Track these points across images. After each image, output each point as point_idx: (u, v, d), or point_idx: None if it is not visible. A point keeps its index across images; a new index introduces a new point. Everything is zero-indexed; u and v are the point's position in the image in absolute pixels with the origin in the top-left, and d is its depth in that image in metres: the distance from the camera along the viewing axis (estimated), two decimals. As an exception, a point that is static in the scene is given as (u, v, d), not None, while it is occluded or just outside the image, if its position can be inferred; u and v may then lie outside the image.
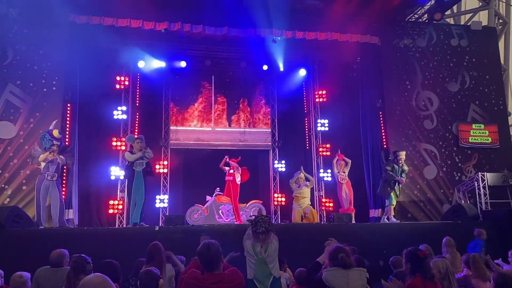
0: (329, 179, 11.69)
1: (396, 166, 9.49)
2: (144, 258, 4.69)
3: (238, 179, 10.15)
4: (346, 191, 10.15)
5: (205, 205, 10.89)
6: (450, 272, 4.23)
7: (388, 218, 9.47)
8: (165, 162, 11.66)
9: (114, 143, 10.64)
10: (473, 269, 4.73)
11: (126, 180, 8.60)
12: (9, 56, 9.25)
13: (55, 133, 8.10)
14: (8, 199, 8.73)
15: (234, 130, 12.74)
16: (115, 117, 11.01)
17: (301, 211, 9.80)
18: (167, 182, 11.59)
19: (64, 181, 9.43)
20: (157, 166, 11.45)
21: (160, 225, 9.72)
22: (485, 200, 9.99)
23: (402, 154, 9.71)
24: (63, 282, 3.63)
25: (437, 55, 11.73)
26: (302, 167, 10.41)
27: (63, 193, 9.32)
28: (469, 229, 7.82)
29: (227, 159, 10.34)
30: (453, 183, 10.98)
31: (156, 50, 11.40)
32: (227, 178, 10.24)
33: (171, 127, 12.25)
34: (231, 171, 10.19)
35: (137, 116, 11.88)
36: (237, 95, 12.85)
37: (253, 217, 4.14)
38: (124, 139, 10.79)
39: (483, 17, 15.28)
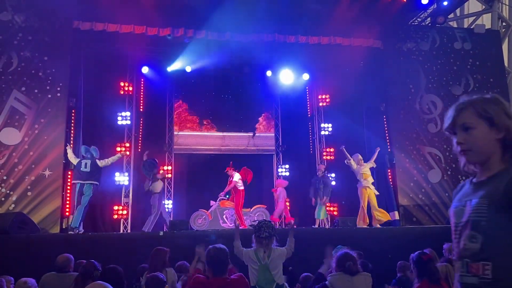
0: (333, 183, 11.66)
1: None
2: (146, 264, 4.70)
3: (239, 186, 10.15)
4: None
5: (209, 210, 10.88)
6: (450, 276, 4.22)
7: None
8: (169, 167, 11.68)
9: (118, 149, 10.66)
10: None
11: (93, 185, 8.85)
12: (13, 63, 9.31)
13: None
14: (13, 205, 8.75)
15: (237, 135, 12.74)
16: (119, 122, 11.06)
17: (368, 189, 9.66)
18: (171, 187, 11.61)
19: (68, 187, 9.48)
20: (161, 171, 11.47)
21: (164, 230, 9.72)
22: (490, 203, 9.91)
23: (320, 167, 10.76)
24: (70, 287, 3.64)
25: (440, 58, 11.69)
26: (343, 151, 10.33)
27: (68, 199, 9.39)
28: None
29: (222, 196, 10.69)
30: (458, 186, 10.90)
31: (159, 56, 11.47)
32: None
33: (175, 132, 12.28)
34: (230, 178, 10.29)
35: (141, 122, 11.94)
36: (240, 100, 12.85)
37: (256, 222, 4.15)
38: (128, 144, 10.86)
39: (486, 20, 15.23)
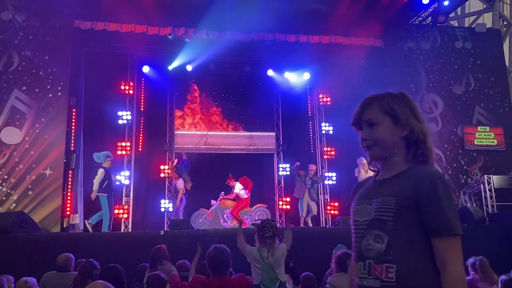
0: (334, 182, 11.66)
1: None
2: (147, 263, 4.71)
3: (242, 195, 10.17)
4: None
5: (210, 209, 10.87)
6: None
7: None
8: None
9: (119, 148, 10.66)
10: (480, 273, 4.69)
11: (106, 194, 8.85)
12: (14, 62, 9.32)
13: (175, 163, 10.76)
14: (14, 204, 8.77)
15: (238, 134, 12.74)
16: (120, 121, 11.06)
17: None
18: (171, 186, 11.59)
19: (69, 186, 9.49)
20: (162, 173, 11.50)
21: (165, 229, 9.73)
22: (491, 202, 9.92)
23: (312, 167, 10.74)
24: (70, 287, 3.64)
25: (441, 57, 11.69)
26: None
27: (69, 198, 9.42)
28: (475, 233, 7.78)
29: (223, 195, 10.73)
30: (459, 186, 10.91)
31: (160, 55, 11.47)
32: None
33: (175, 132, 12.28)
34: (232, 189, 10.39)
35: (142, 121, 11.95)
36: (241, 99, 12.85)
37: (259, 221, 4.16)
38: (129, 144, 10.87)
39: (487, 19, 15.20)
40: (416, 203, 1.51)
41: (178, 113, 12.45)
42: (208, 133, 12.54)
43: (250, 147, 12.72)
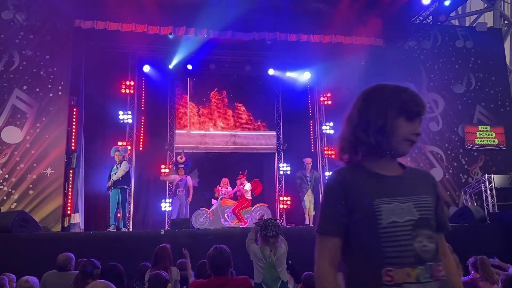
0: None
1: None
2: (147, 262, 4.71)
3: (247, 196, 10.18)
4: None
5: (211, 209, 10.87)
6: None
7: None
8: (170, 166, 11.68)
9: (120, 143, 10.67)
10: (481, 272, 4.70)
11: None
12: (15, 62, 9.33)
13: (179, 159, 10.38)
14: (15, 204, 8.78)
15: (239, 134, 12.74)
16: (121, 121, 11.08)
17: None
18: (172, 186, 11.60)
19: (70, 186, 9.50)
20: (162, 170, 11.50)
21: (166, 228, 9.74)
22: (492, 202, 9.92)
23: (307, 160, 10.51)
24: (71, 286, 3.65)
25: (442, 56, 11.68)
26: None
27: (70, 197, 9.42)
28: (476, 232, 7.78)
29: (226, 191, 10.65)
30: (460, 185, 10.91)
31: (161, 54, 11.48)
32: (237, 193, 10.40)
33: (176, 131, 12.28)
34: (241, 185, 10.34)
35: (143, 120, 11.95)
36: (241, 98, 12.86)
37: (262, 220, 4.17)
38: (130, 143, 10.88)
39: (488, 19, 15.21)
40: (436, 202, 1.63)
41: (178, 112, 12.45)
42: (209, 132, 12.55)
43: (251, 146, 12.72)
